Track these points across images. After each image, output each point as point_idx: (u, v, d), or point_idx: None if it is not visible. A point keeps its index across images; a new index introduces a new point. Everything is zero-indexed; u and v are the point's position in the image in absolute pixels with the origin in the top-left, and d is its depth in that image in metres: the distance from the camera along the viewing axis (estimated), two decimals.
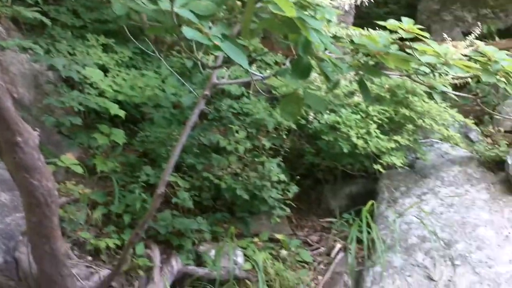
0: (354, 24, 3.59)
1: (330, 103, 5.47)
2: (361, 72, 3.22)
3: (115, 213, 4.98)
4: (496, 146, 5.96)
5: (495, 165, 5.71)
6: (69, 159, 4.87)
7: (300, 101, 2.97)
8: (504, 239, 5.00)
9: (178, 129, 5.23)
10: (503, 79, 3.30)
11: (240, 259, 5.09)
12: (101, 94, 5.26)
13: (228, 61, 4.40)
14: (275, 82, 5.30)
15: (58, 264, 3.82)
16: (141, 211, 4.84)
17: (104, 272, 4.56)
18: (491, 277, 4.75)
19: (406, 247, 5.11)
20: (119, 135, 5.11)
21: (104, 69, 5.53)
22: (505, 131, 6.32)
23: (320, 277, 5.25)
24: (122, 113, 5.13)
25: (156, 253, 4.82)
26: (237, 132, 5.33)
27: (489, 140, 6.26)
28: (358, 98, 5.53)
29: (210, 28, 2.54)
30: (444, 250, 4.98)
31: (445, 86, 3.69)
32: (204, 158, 5.25)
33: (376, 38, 3.06)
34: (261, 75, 3.97)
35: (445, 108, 5.69)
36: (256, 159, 5.30)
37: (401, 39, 3.15)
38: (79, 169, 4.87)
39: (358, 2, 2.97)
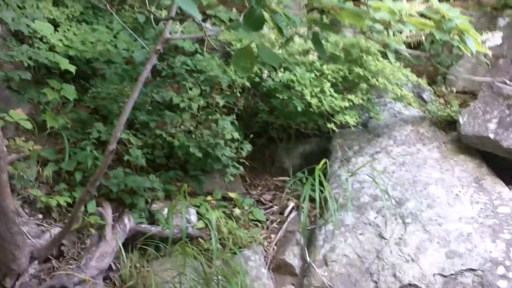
0: None
1: (284, 61, 5.44)
2: (315, 28, 3.19)
3: (66, 171, 4.91)
4: (448, 106, 6.01)
5: (447, 124, 5.77)
6: (19, 114, 4.76)
7: (253, 55, 2.93)
8: (454, 197, 5.07)
9: (131, 85, 5.15)
10: (456, 37, 3.31)
11: (193, 217, 5.09)
12: (52, 48, 5.14)
13: (181, 16, 4.34)
14: (229, 37, 5.23)
15: (7, 221, 3.77)
16: (92, 169, 4.77)
17: (55, 230, 4.53)
18: (441, 234, 4.83)
19: (358, 205, 5.15)
20: (70, 91, 5.01)
21: (55, 24, 5.40)
22: (457, 92, 6.37)
23: (273, 236, 5.27)
24: (72, 68, 5.02)
25: (108, 211, 4.78)
26: (190, 89, 5.26)
27: (441, 100, 6.31)
28: (313, 56, 5.51)
29: None
30: (395, 209, 5.03)
31: (399, 44, 3.69)
32: (157, 115, 5.19)
33: None
34: (213, 28, 3.91)
35: (398, 67, 5.70)
36: (209, 117, 5.26)
37: None
38: (28, 125, 4.77)
39: None
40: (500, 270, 4.59)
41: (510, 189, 5.19)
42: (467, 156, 5.42)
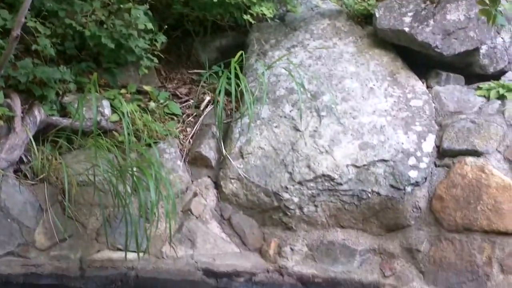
0: None
1: None
2: None
3: None
4: (365, 0, 5.99)
5: (364, 19, 5.76)
6: None
7: None
8: (368, 91, 5.12)
9: None
10: None
11: (107, 110, 5.00)
12: None
13: None
14: None
15: None
16: None
17: None
18: (354, 127, 4.91)
19: (274, 98, 5.15)
20: None
21: None
22: None
23: (189, 129, 5.25)
24: None
25: (16, 103, 4.64)
26: None
27: None
28: None
29: None
30: (310, 102, 5.06)
31: None
32: (66, 3, 4.94)
33: None
34: None
35: None
36: (121, 6, 5.06)
37: None
38: None
39: None
40: (412, 160, 4.73)
41: (423, 82, 5.29)
42: (383, 50, 5.45)
